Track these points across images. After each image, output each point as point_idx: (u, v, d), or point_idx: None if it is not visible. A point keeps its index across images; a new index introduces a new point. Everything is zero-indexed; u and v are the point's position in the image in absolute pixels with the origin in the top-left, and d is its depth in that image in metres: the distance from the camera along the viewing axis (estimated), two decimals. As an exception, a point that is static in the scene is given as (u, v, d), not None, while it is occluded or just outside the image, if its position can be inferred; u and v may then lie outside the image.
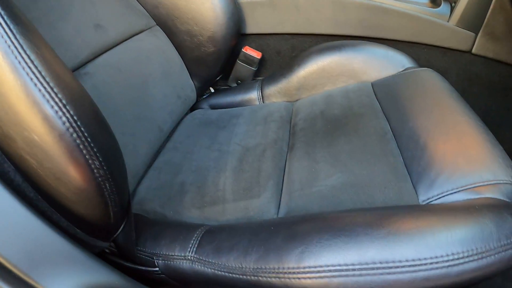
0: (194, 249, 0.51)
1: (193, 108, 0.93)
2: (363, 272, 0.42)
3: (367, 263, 0.42)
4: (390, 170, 0.60)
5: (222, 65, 0.92)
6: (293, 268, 0.44)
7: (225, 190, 0.63)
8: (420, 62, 0.98)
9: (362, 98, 0.79)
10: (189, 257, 0.50)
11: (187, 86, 0.90)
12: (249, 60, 0.97)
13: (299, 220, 0.50)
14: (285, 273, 0.44)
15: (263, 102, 0.91)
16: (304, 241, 0.45)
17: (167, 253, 0.52)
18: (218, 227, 0.54)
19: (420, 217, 0.46)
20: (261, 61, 0.99)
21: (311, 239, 0.45)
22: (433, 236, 0.43)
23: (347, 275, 0.42)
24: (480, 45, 0.93)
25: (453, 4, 0.95)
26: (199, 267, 0.49)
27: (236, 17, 0.89)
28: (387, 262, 0.42)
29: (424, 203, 0.54)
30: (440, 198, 0.53)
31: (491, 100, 1.03)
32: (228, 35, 0.88)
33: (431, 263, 0.42)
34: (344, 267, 0.42)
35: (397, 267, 0.42)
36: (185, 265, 0.51)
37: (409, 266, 0.42)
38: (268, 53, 0.99)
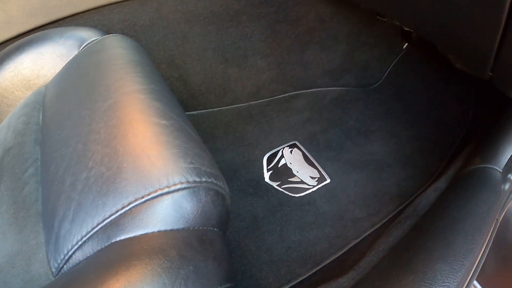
0: None
1: None
2: None
3: None
4: (17, 233, 0.42)
5: None
6: None
7: None
8: (115, 26, 0.77)
9: (20, 120, 0.58)
10: None
11: None
12: None
13: None
14: None
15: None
16: None
17: None
18: None
19: None
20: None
21: None
22: None
23: None
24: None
25: None
26: None
27: None
28: None
29: (57, 275, 0.37)
30: (68, 261, 0.36)
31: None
32: None
33: None
34: None
35: None
36: None
37: None
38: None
